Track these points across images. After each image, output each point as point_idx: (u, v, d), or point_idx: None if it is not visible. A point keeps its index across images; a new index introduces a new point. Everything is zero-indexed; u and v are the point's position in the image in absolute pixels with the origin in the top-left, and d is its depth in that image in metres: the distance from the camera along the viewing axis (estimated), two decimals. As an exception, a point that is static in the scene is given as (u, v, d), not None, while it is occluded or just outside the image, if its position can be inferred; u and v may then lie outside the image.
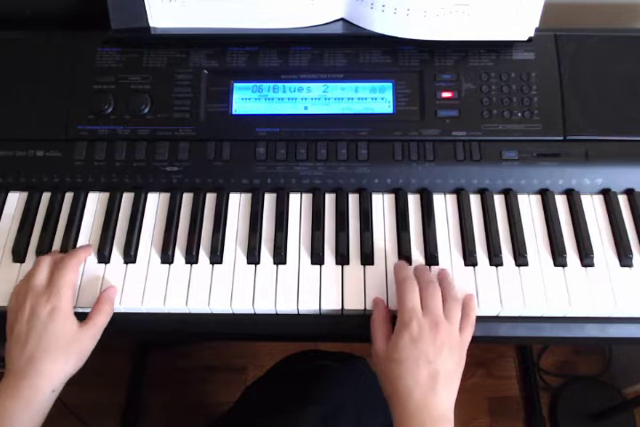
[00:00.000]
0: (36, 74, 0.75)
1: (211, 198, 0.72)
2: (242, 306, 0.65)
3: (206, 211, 0.72)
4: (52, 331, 0.59)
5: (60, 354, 0.58)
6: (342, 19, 0.75)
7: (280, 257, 0.68)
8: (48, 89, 0.74)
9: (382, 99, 0.74)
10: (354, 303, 0.65)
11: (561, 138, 0.72)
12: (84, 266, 0.68)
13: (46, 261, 0.63)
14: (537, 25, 0.72)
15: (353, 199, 0.72)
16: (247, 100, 0.74)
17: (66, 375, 0.59)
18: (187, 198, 0.72)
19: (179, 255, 0.68)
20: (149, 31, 0.75)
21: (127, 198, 0.72)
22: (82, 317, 0.62)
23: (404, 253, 0.68)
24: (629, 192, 0.72)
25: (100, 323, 0.62)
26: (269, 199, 0.72)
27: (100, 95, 0.73)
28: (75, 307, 0.64)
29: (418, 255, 0.68)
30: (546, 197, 0.71)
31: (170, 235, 0.69)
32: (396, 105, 0.74)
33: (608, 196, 0.72)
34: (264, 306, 0.65)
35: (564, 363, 1.41)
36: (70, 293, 0.62)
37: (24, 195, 0.73)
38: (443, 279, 0.64)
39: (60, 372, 0.59)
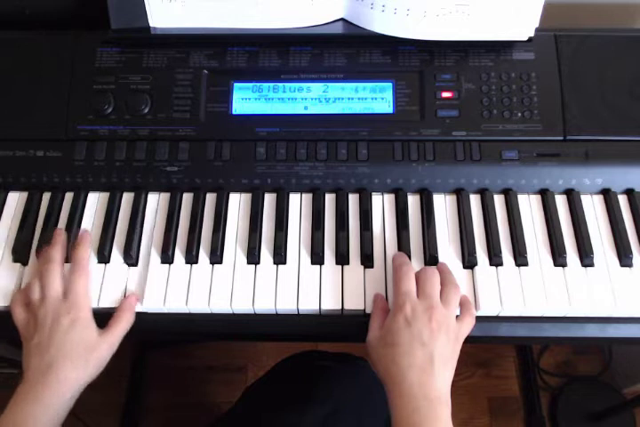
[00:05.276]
0: (36, 74, 0.75)
1: (211, 198, 0.72)
2: (242, 306, 0.65)
3: (206, 211, 0.72)
4: (73, 339, 0.59)
5: (80, 361, 0.59)
6: (342, 19, 0.75)
7: (280, 257, 0.68)
8: (48, 89, 0.74)
9: (382, 99, 0.74)
10: (354, 303, 0.65)
11: (561, 138, 0.72)
12: (84, 266, 0.68)
13: (55, 269, 0.63)
14: (537, 25, 0.73)
15: (353, 199, 0.72)
16: (247, 100, 0.74)
17: (85, 382, 0.60)
18: (187, 198, 0.72)
19: (179, 255, 0.68)
20: (149, 31, 0.75)
21: (127, 198, 0.72)
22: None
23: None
24: (629, 192, 0.72)
25: (119, 331, 0.63)
26: (269, 199, 0.72)
27: (100, 95, 0.73)
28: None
29: (418, 255, 0.68)
30: (546, 197, 0.71)
31: (170, 235, 0.69)
32: (396, 105, 0.73)
33: (608, 196, 0.72)
34: (264, 306, 0.65)
35: (564, 363, 1.41)
36: (88, 301, 0.63)
37: (24, 195, 0.73)
38: (442, 268, 0.65)
39: (80, 379, 0.60)
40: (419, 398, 0.55)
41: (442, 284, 0.62)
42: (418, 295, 0.60)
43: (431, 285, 0.61)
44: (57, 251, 0.65)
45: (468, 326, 0.61)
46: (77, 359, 0.59)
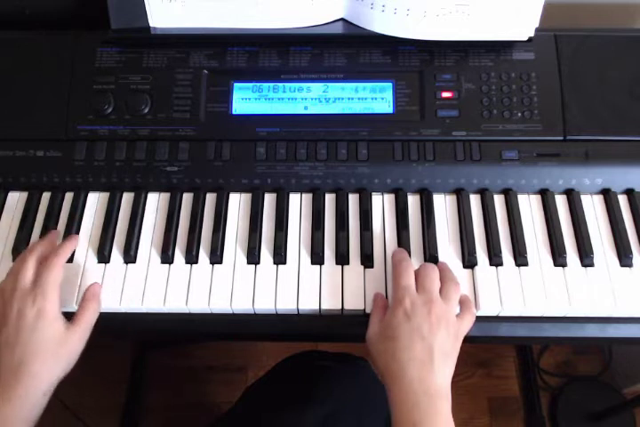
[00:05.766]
0: (36, 74, 0.75)
1: (211, 198, 0.72)
2: (242, 306, 0.65)
3: (206, 211, 0.72)
4: (41, 334, 0.58)
5: (49, 357, 0.58)
6: (342, 19, 0.75)
7: (280, 257, 0.68)
8: (48, 89, 0.74)
9: (382, 99, 0.74)
10: (354, 303, 0.65)
11: (561, 138, 0.72)
12: (84, 266, 0.68)
13: (32, 259, 0.61)
14: (537, 25, 0.73)
15: (353, 199, 0.72)
16: (247, 100, 0.74)
17: (57, 377, 0.59)
18: (187, 198, 0.72)
19: (179, 255, 0.68)
20: (149, 31, 0.75)
21: (127, 198, 0.72)
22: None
23: (404, 253, 0.68)
24: (629, 192, 0.72)
25: (87, 321, 0.61)
26: (269, 199, 0.72)
27: (99, 95, 0.73)
28: (74, 306, 0.64)
29: (418, 255, 0.68)
30: (546, 197, 0.71)
31: (170, 235, 0.69)
32: (396, 105, 0.73)
33: (608, 196, 0.72)
34: (264, 306, 0.65)
35: (564, 363, 1.41)
36: (56, 293, 0.60)
37: (24, 195, 0.73)
38: (442, 266, 0.65)
39: (51, 374, 0.58)
40: (419, 394, 0.54)
41: (441, 280, 0.62)
42: (417, 290, 0.60)
43: (430, 280, 0.61)
44: (41, 244, 0.64)
45: (467, 324, 0.61)
46: (47, 355, 0.57)
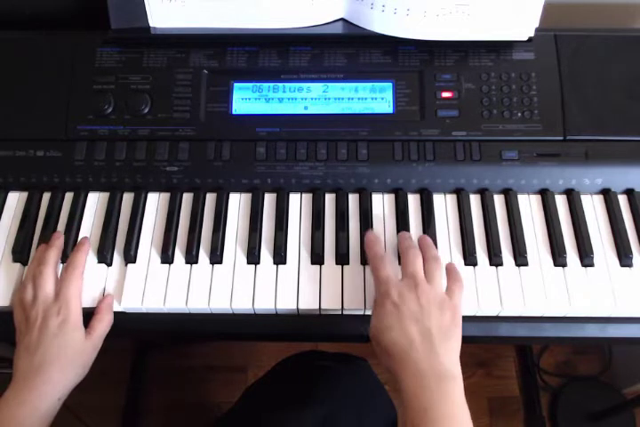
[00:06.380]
0: (36, 74, 0.75)
1: (211, 198, 0.72)
2: (242, 306, 0.65)
3: (206, 211, 0.72)
4: (62, 342, 0.60)
5: (67, 364, 0.60)
6: (342, 19, 0.75)
7: (280, 257, 0.68)
8: (48, 89, 0.74)
9: (382, 99, 0.74)
10: (354, 303, 0.65)
11: (561, 138, 0.72)
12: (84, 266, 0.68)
13: (49, 270, 0.64)
14: (537, 25, 0.73)
15: (353, 199, 0.72)
16: (247, 100, 0.74)
17: (72, 384, 0.61)
18: (187, 198, 0.72)
19: (179, 255, 0.68)
20: (149, 31, 0.75)
21: (127, 198, 0.72)
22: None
23: (404, 253, 0.68)
24: (629, 192, 0.72)
25: (102, 332, 0.63)
26: (269, 199, 0.72)
27: (99, 95, 0.73)
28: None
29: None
30: (546, 197, 0.71)
31: (170, 235, 0.69)
32: (396, 105, 0.74)
33: (608, 196, 0.72)
34: (264, 306, 0.65)
35: (564, 363, 1.41)
36: (79, 304, 0.63)
37: (24, 195, 0.73)
38: (423, 242, 0.65)
39: (67, 381, 0.60)
40: (426, 376, 0.54)
41: (424, 259, 0.62)
42: (401, 276, 0.61)
43: (413, 265, 0.61)
44: (53, 253, 0.65)
45: (458, 295, 0.61)
46: (65, 363, 0.59)
